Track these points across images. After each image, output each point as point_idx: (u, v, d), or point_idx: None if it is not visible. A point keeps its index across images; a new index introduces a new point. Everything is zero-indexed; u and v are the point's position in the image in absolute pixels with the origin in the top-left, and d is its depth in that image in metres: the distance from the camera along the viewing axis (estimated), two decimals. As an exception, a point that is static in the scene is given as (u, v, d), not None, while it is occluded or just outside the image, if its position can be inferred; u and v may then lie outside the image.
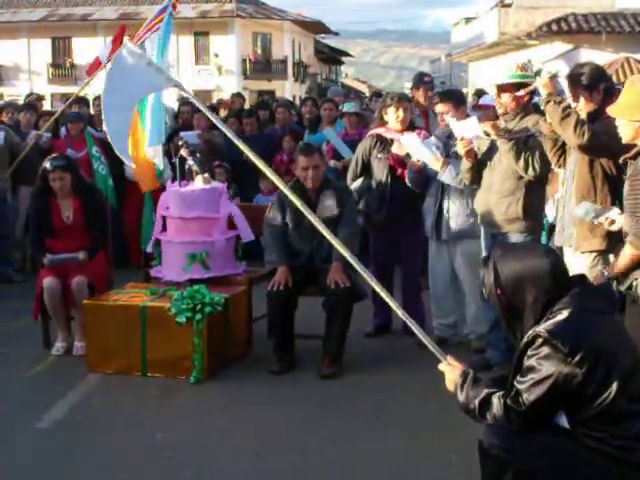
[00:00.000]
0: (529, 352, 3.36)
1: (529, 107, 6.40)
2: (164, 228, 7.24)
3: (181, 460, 4.93)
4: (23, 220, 9.65)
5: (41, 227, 7.10)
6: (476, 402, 3.54)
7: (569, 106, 5.35)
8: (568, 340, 3.26)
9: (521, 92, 6.09)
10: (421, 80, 8.95)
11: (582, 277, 3.70)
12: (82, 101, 11.68)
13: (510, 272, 3.50)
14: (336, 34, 60.03)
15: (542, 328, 3.34)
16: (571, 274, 5.31)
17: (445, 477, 4.67)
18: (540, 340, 3.32)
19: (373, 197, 7.32)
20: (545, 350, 3.30)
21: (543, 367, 3.29)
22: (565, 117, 5.27)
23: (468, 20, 49.62)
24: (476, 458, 3.68)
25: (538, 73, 6.21)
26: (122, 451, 5.08)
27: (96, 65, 9.80)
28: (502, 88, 6.25)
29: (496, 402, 3.46)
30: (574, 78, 5.44)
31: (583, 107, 5.41)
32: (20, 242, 9.98)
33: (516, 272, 3.49)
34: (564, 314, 3.35)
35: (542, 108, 5.78)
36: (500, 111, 6.34)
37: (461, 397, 3.66)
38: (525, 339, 3.41)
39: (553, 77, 5.54)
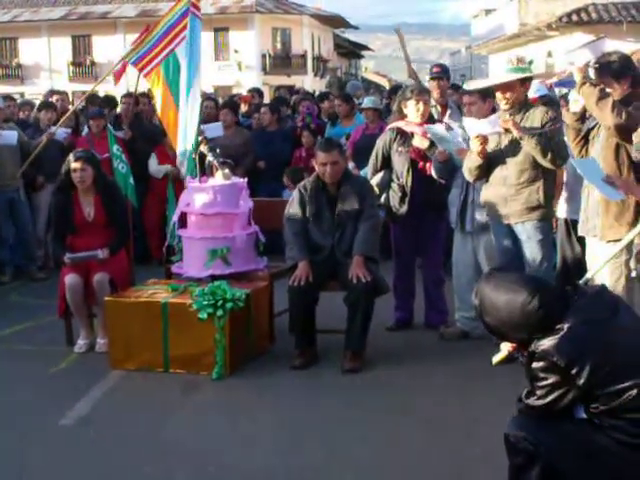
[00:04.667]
0: (532, 366, 3.47)
1: (527, 99, 6.44)
2: (185, 224, 7.25)
3: (204, 455, 4.93)
4: (45, 218, 9.72)
5: (63, 224, 7.11)
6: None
7: (604, 88, 5.33)
8: (564, 355, 3.34)
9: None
10: (431, 72, 8.60)
11: (576, 287, 3.69)
12: (111, 101, 11.72)
13: (499, 315, 3.54)
14: (356, 28, 59.91)
15: (539, 346, 3.42)
16: (594, 264, 5.34)
17: (470, 471, 4.63)
18: (537, 356, 3.43)
19: (394, 191, 7.29)
20: (544, 365, 3.40)
21: (545, 379, 3.41)
22: (602, 97, 5.26)
23: (488, 12, 49.40)
24: (501, 451, 3.66)
25: (531, 63, 6.25)
26: (145, 447, 5.09)
27: (123, 70, 9.75)
28: (506, 85, 6.21)
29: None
30: (602, 66, 5.41)
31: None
32: (42, 240, 10.03)
33: (504, 316, 3.52)
34: (560, 332, 3.40)
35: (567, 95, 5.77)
36: (506, 107, 6.28)
37: None
38: (527, 356, 3.52)
39: (587, 65, 5.54)
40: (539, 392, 3.44)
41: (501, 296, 3.52)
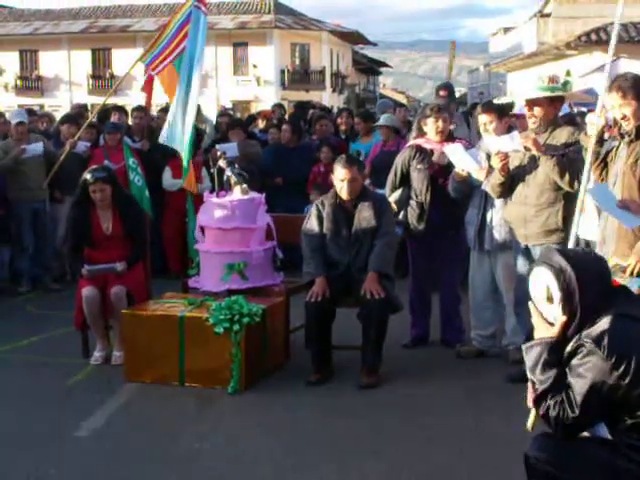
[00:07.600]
0: (574, 361, 3.35)
1: (557, 119, 6.39)
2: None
3: (218, 470, 4.92)
4: (63, 230, 9.76)
5: (80, 237, 7.14)
6: (538, 390, 3.48)
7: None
8: (613, 351, 3.24)
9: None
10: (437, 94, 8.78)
11: (624, 287, 3.67)
12: (121, 111, 11.80)
13: (573, 272, 3.46)
14: (374, 44, 60.04)
15: (587, 337, 3.32)
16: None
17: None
18: (585, 350, 3.31)
19: (413, 208, 7.30)
20: (590, 360, 3.28)
21: (588, 377, 3.28)
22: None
23: (507, 30, 49.47)
24: (517, 471, 3.64)
25: (565, 84, 6.21)
26: (159, 460, 5.09)
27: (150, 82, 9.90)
28: (534, 102, 6.21)
29: (551, 405, 3.41)
30: (625, 90, 5.30)
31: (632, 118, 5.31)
32: (59, 251, 10.07)
33: (577, 273, 3.45)
34: (607, 322, 3.32)
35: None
36: (534, 125, 6.28)
37: (528, 363, 3.58)
38: (569, 348, 3.40)
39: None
40: (577, 398, 3.29)
41: (589, 258, 3.59)
